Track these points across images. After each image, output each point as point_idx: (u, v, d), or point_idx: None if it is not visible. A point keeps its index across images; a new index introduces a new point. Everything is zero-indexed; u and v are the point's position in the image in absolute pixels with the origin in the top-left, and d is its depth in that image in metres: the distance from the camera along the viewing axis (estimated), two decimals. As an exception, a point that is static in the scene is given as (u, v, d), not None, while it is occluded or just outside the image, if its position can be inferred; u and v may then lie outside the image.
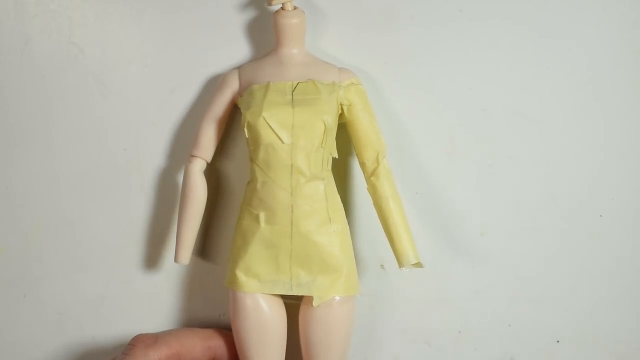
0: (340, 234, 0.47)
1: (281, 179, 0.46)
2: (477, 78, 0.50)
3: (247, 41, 0.51)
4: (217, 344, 0.50)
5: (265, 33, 0.50)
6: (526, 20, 0.49)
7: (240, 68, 0.49)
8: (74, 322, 0.54)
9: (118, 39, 0.51)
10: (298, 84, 0.47)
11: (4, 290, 0.55)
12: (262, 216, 0.46)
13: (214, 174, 0.52)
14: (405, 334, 0.52)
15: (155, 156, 0.52)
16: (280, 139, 0.45)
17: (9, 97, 0.52)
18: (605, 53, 0.50)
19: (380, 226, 0.48)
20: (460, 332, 0.52)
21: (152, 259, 0.53)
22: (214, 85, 0.51)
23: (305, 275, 0.47)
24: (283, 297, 0.48)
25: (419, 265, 0.48)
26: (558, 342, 0.52)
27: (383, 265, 0.52)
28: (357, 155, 0.49)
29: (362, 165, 0.48)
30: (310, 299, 0.47)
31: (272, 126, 0.45)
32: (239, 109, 0.48)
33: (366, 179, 0.48)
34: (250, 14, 0.50)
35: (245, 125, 0.46)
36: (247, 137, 0.46)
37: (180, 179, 0.51)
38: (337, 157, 0.48)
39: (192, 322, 0.54)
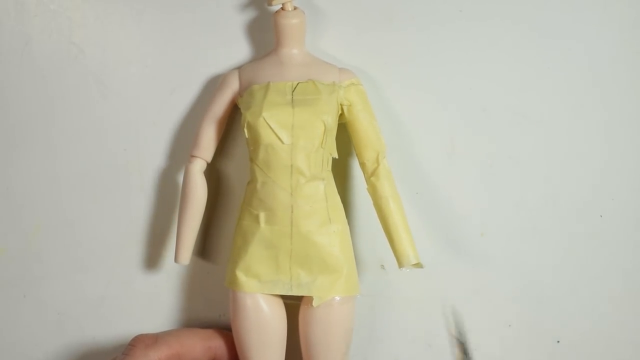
0: (340, 234, 0.47)
1: (281, 179, 0.46)
2: (477, 78, 0.50)
3: (247, 41, 0.51)
4: (217, 344, 0.50)
5: (265, 33, 0.50)
6: (526, 20, 0.49)
7: (240, 68, 0.49)
8: (74, 322, 0.54)
9: (118, 39, 0.51)
10: (298, 84, 0.47)
11: (4, 290, 0.55)
12: (262, 216, 0.46)
13: (214, 174, 0.52)
14: (405, 334, 0.52)
15: (155, 156, 0.52)
16: (279, 139, 0.45)
17: (9, 97, 0.52)
18: (605, 53, 0.50)
19: (380, 226, 0.48)
20: (460, 332, 0.52)
21: (152, 259, 0.53)
22: (214, 85, 0.51)
23: (305, 275, 0.47)
24: (283, 297, 0.48)
25: (418, 265, 0.48)
26: (558, 342, 0.52)
27: (383, 265, 0.52)
28: (357, 155, 0.49)
29: (362, 165, 0.48)
30: (310, 299, 0.47)
31: (272, 126, 0.45)
32: (239, 109, 0.48)
33: (366, 179, 0.48)
34: (250, 14, 0.50)
35: (245, 125, 0.46)
36: (247, 137, 0.46)
37: (180, 179, 0.51)
38: (337, 157, 0.48)
39: (192, 322, 0.54)
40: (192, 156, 0.49)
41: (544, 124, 0.50)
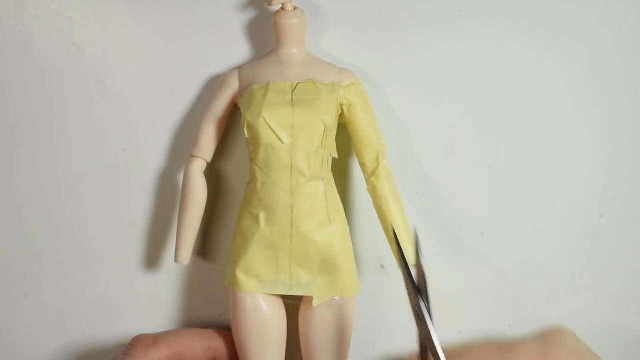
0: (340, 234, 0.47)
1: (281, 178, 0.46)
2: (477, 78, 0.50)
3: (247, 41, 0.51)
4: (217, 344, 0.50)
5: (265, 33, 0.50)
6: (526, 20, 0.49)
7: (240, 68, 0.49)
8: (74, 322, 0.54)
9: (118, 39, 0.51)
10: (298, 84, 0.47)
11: (4, 290, 0.55)
12: (262, 216, 0.46)
13: (214, 174, 0.52)
14: (405, 334, 0.52)
15: (155, 156, 0.52)
16: (279, 138, 0.45)
17: (9, 97, 0.52)
18: (605, 53, 0.50)
19: (380, 226, 0.48)
20: (460, 332, 0.52)
21: (152, 259, 0.53)
22: (214, 85, 0.51)
23: (305, 275, 0.47)
24: (283, 297, 0.49)
25: (418, 265, 0.48)
26: (558, 342, 0.52)
27: (383, 265, 0.52)
28: (356, 155, 0.49)
29: (362, 165, 0.48)
30: (310, 298, 0.47)
31: (272, 126, 0.45)
32: (239, 108, 0.48)
33: (366, 179, 0.48)
34: (250, 14, 0.50)
35: (245, 125, 0.46)
36: (247, 137, 0.46)
37: (180, 179, 0.51)
38: (336, 157, 0.48)
39: (192, 322, 0.54)
40: (192, 156, 0.49)
41: (544, 124, 0.50)
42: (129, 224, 0.53)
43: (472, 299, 0.52)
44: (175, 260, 0.49)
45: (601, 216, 0.51)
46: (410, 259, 0.48)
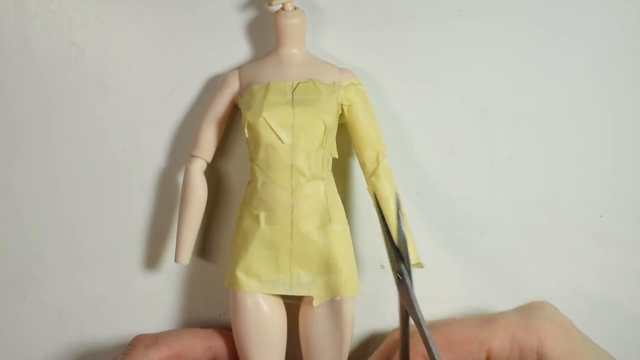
0: (340, 234, 0.47)
1: (281, 178, 0.46)
2: (477, 78, 0.50)
3: (247, 41, 0.51)
4: (217, 343, 0.50)
5: (265, 33, 0.50)
6: (526, 20, 0.49)
7: (240, 68, 0.49)
8: (74, 322, 0.54)
9: (118, 39, 0.51)
10: (298, 83, 0.47)
11: (4, 290, 0.55)
12: (262, 216, 0.46)
13: (214, 174, 0.52)
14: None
15: (155, 156, 0.52)
16: (280, 138, 0.45)
17: (9, 97, 0.52)
18: (605, 53, 0.50)
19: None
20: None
21: (152, 259, 0.53)
22: (214, 85, 0.51)
23: (305, 275, 0.47)
24: (283, 297, 0.49)
25: (419, 265, 0.48)
26: (558, 342, 0.52)
27: (383, 265, 0.52)
28: (357, 155, 0.49)
29: (362, 165, 0.48)
30: (310, 298, 0.47)
31: (272, 126, 0.45)
32: (239, 108, 0.48)
33: (366, 179, 0.48)
34: (250, 14, 0.50)
35: (245, 125, 0.46)
36: (247, 137, 0.46)
37: (180, 179, 0.51)
38: (337, 157, 0.48)
39: (192, 322, 0.54)
40: (192, 156, 0.49)
41: (544, 123, 0.50)
42: (129, 224, 0.53)
43: (472, 298, 0.52)
44: (175, 260, 0.49)
45: (601, 216, 0.51)
46: (411, 259, 0.48)
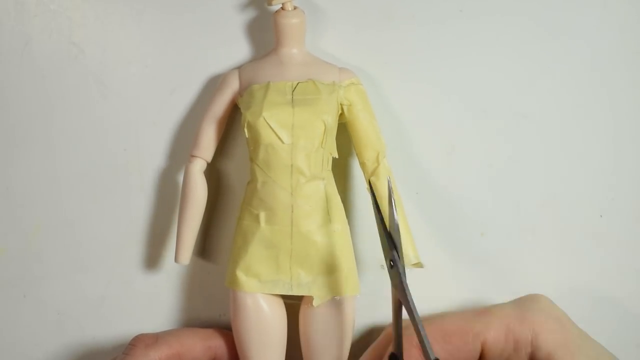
0: (340, 234, 0.47)
1: (281, 178, 0.46)
2: (477, 77, 0.50)
3: (247, 41, 0.51)
4: (217, 343, 0.50)
5: (265, 33, 0.50)
6: (526, 20, 0.49)
7: (240, 68, 0.49)
8: (74, 322, 0.54)
9: (118, 39, 0.51)
10: (298, 83, 0.47)
11: (4, 290, 0.55)
12: (262, 216, 0.46)
13: (214, 174, 0.52)
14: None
15: (155, 156, 0.52)
16: (280, 138, 0.45)
17: (9, 97, 0.52)
18: (605, 53, 0.50)
19: (380, 226, 0.48)
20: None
21: (152, 259, 0.53)
22: (214, 85, 0.51)
23: (305, 275, 0.47)
24: (283, 296, 0.48)
25: (419, 265, 0.48)
26: (558, 342, 0.52)
27: (383, 265, 0.52)
28: (357, 155, 0.49)
29: (362, 165, 0.48)
30: (310, 298, 0.47)
31: (272, 126, 0.45)
32: (239, 108, 0.48)
33: (366, 179, 0.48)
34: (250, 14, 0.50)
35: (245, 125, 0.46)
36: (247, 136, 0.46)
37: (180, 179, 0.51)
38: (337, 156, 0.48)
39: (192, 322, 0.54)
40: (192, 156, 0.49)
41: (544, 123, 0.50)
42: (129, 224, 0.53)
43: (472, 298, 0.52)
44: (175, 260, 0.49)
45: (601, 216, 0.51)
46: (411, 259, 0.48)
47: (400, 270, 0.43)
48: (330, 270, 0.47)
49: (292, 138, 0.45)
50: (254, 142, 0.46)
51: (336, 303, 0.47)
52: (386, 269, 0.51)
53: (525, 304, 0.46)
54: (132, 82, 0.52)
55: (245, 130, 0.46)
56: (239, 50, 0.51)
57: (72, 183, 0.53)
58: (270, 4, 0.47)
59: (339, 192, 0.48)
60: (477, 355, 0.46)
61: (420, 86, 0.50)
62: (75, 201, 0.53)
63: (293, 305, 0.49)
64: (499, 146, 0.51)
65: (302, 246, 0.46)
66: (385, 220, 0.44)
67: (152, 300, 0.54)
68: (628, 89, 0.50)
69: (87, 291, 0.54)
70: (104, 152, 0.52)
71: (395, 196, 0.48)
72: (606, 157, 0.51)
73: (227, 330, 0.50)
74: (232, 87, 0.48)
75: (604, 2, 0.49)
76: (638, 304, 0.52)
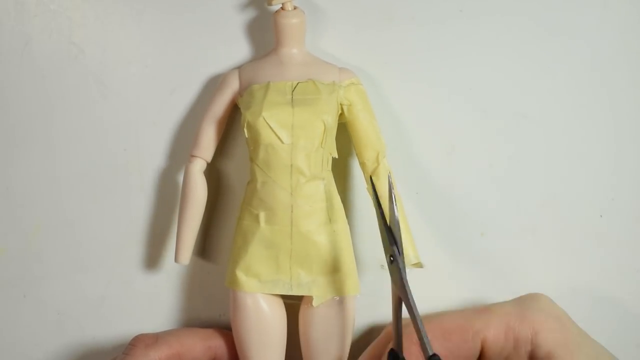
0: (340, 234, 0.47)
1: (281, 178, 0.46)
2: (477, 77, 0.50)
3: (247, 41, 0.51)
4: (217, 343, 0.50)
5: (265, 33, 0.50)
6: (526, 20, 0.49)
7: (240, 68, 0.49)
8: (74, 322, 0.54)
9: (118, 39, 0.51)
10: (298, 83, 0.47)
11: (4, 290, 0.55)
12: (262, 216, 0.46)
13: (214, 174, 0.52)
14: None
15: (155, 156, 0.52)
16: (279, 138, 0.45)
17: (9, 97, 0.52)
18: (605, 53, 0.50)
19: (380, 226, 0.48)
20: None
21: (152, 259, 0.53)
22: (214, 85, 0.51)
23: (305, 275, 0.47)
24: (283, 296, 0.48)
25: (419, 265, 0.48)
26: (558, 342, 0.52)
27: (383, 265, 0.52)
28: (357, 154, 0.49)
29: (362, 165, 0.48)
30: (310, 298, 0.47)
31: (272, 126, 0.45)
32: (239, 108, 0.48)
33: (366, 179, 0.48)
34: (250, 14, 0.50)
35: (245, 125, 0.46)
36: (247, 136, 0.46)
37: (180, 179, 0.51)
38: (336, 156, 0.48)
39: (192, 322, 0.54)
40: (192, 156, 0.49)
41: (544, 123, 0.50)
42: (129, 224, 0.53)
43: (472, 298, 0.52)
44: (175, 260, 0.49)
45: (601, 216, 0.51)
46: (411, 259, 0.48)
47: (400, 266, 0.43)
48: (330, 270, 0.47)
49: (292, 138, 0.45)
50: (254, 142, 0.46)
51: (336, 303, 0.47)
52: (386, 268, 0.52)
53: (525, 302, 0.47)
54: (132, 82, 0.52)
55: (245, 130, 0.46)
56: (239, 50, 0.51)
57: (72, 183, 0.53)
58: (270, 4, 0.47)
59: (339, 192, 0.48)
60: (477, 353, 0.46)
61: (420, 86, 0.50)
62: (75, 201, 0.53)
63: (293, 305, 0.49)
64: (499, 146, 0.51)
65: (302, 246, 0.46)
66: (385, 215, 0.44)
67: (152, 300, 0.54)
68: (628, 89, 0.50)
69: (87, 291, 0.54)
70: (104, 152, 0.52)
71: (395, 192, 0.48)
72: (606, 157, 0.51)
73: (227, 330, 0.50)
74: (232, 87, 0.48)
75: (604, 2, 0.49)
76: (638, 304, 0.52)
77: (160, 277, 0.54)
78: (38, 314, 0.55)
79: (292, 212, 0.46)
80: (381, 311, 0.52)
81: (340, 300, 0.47)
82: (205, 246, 0.53)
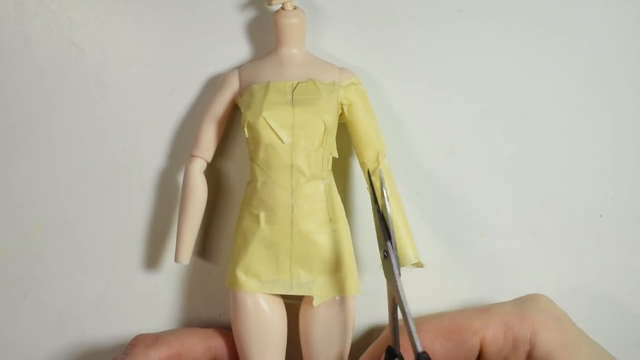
0: (340, 234, 0.47)
1: (281, 178, 0.46)
2: (477, 78, 0.50)
3: (247, 41, 0.51)
4: (217, 343, 0.50)
5: (265, 33, 0.50)
6: (526, 20, 0.49)
7: (240, 68, 0.49)
8: (74, 322, 0.54)
9: (118, 39, 0.51)
10: (298, 83, 0.47)
11: (4, 290, 0.55)
12: (262, 216, 0.46)
13: (214, 174, 0.52)
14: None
15: (155, 156, 0.52)
16: (280, 138, 0.45)
17: (9, 97, 0.52)
18: (605, 53, 0.50)
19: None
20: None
21: (152, 259, 0.53)
22: (214, 85, 0.51)
23: (305, 275, 0.47)
24: (283, 296, 0.48)
25: (419, 265, 0.48)
26: (558, 342, 0.52)
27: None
28: (357, 154, 0.49)
29: (362, 164, 0.48)
30: (310, 298, 0.47)
31: (272, 126, 0.45)
32: (239, 108, 0.48)
33: (366, 179, 0.48)
34: (250, 14, 0.50)
35: (245, 125, 0.46)
36: (247, 136, 0.46)
37: (180, 179, 0.51)
38: (337, 156, 0.48)
39: (192, 322, 0.54)
40: (192, 156, 0.49)
41: (544, 123, 0.50)
42: (129, 224, 0.53)
43: (472, 298, 0.52)
44: (176, 260, 0.49)
45: (601, 216, 0.51)
46: (411, 259, 0.48)
47: (394, 262, 0.43)
48: (331, 270, 0.47)
49: (292, 138, 0.45)
50: (254, 142, 0.46)
51: (336, 303, 0.47)
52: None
53: (525, 303, 0.47)
54: (132, 82, 0.52)
55: (245, 130, 0.46)
56: (239, 50, 0.51)
57: (72, 183, 0.53)
58: (270, 4, 0.47)
59: (339, 192, 0.48)
60: (476, 352, 0.46)
61: (420, 86, 0.50)
62: (75, 201, 0.53)
63: (293, 305, 0.49)
64: (499, 146, 0.51)
65: (302, 246, 0.46)
66: (382, 212, 0.44)
67: (152, 300, 0.54)
68: (628, 89, 0.50)
69: (87, 291, 0.54)
70: (104, 152, 0.53)
71: (391, 191, 0.48)
72: (606, 157, 0.51)
73: (227, 330, 0.50)
74: (232, 87, 0.48)
75: (604, 2, 0.49)
76: (638, 304, 0.52)
77: (160, 277, 0.54)
78: (38, 314, 0.55)
79: (292, 212, 0.46)
80: (381, 311, 0.52)
81: (340, 300, 0.47)
82: (205, 246, 0.53)
